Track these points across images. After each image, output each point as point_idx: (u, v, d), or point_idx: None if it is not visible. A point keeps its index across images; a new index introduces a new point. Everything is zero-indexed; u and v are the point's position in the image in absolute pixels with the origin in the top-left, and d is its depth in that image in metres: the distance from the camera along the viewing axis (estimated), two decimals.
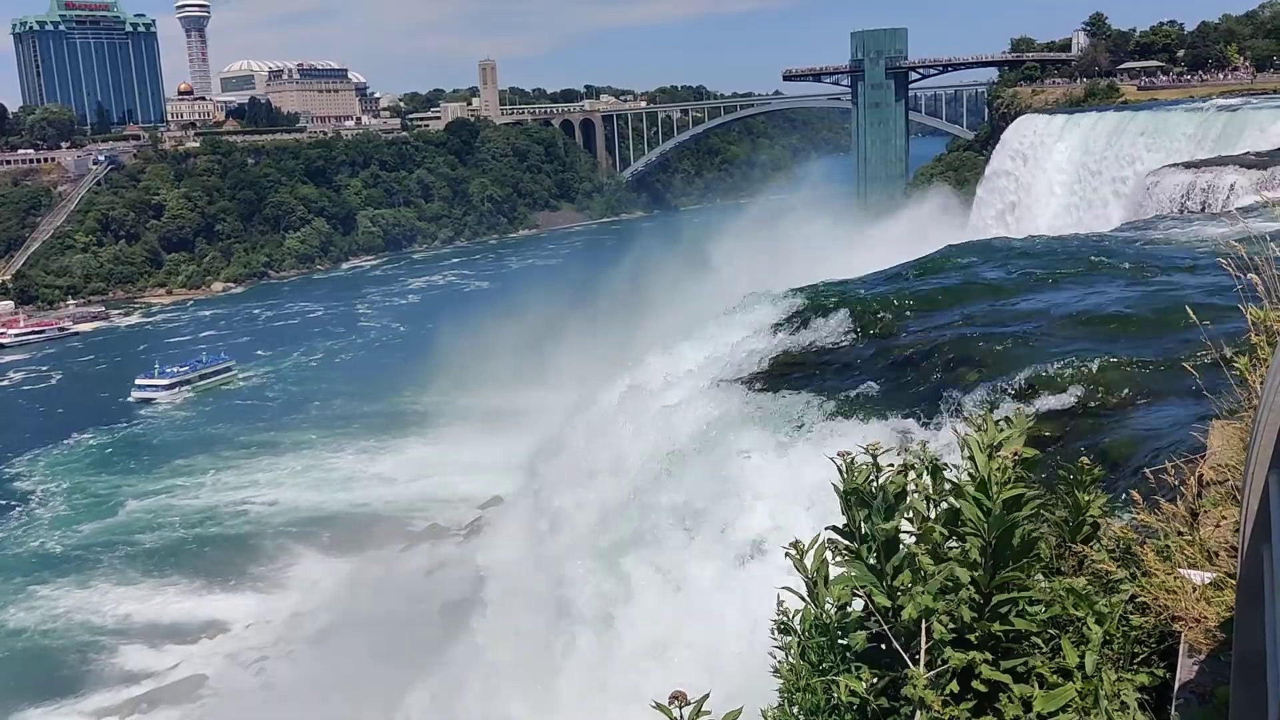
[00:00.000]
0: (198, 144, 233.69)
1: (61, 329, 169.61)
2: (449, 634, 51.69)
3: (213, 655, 64.52)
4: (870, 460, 5.16)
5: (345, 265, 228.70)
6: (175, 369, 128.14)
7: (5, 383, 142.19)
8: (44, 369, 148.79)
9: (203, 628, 67.78)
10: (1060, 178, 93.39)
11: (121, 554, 79.40)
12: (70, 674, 63.15)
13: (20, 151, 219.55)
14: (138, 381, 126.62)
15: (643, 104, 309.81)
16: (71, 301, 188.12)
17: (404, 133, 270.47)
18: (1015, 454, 4.78)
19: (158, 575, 75.48)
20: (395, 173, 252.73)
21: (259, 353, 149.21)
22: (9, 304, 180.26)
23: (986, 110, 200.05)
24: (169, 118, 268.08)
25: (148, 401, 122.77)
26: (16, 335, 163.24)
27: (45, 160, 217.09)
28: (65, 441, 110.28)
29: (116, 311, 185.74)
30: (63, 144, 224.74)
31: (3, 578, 76.27)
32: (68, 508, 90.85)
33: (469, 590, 54.65)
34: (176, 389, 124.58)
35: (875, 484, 5.11)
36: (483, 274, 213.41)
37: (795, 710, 5.32)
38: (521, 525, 43.57)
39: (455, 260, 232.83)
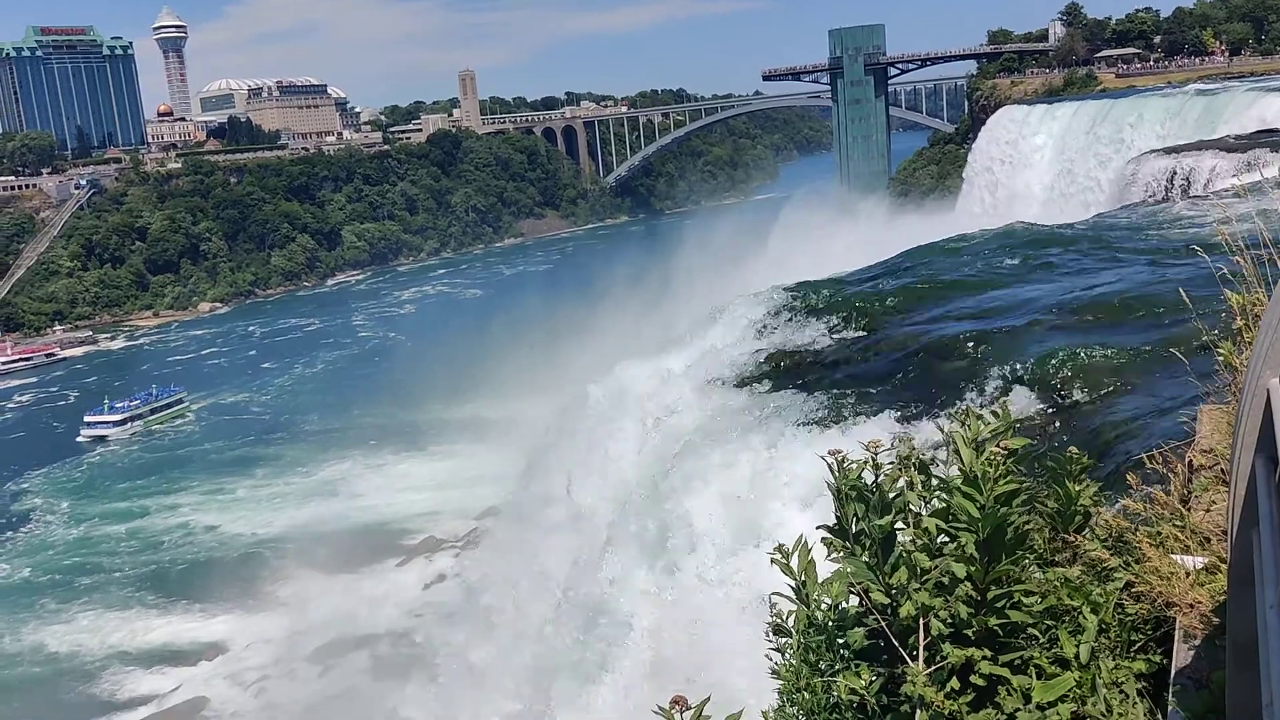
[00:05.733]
0: (179, 165, 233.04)
1: (49, 355, 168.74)
2: (447, 647, 51.62)
3: (213, 677, 64.22)
4: (866, 458, 5.17)
5: (331, 281, 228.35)
6: (125, 403, 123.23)
7: None
8: (34, 396, 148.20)
9: (202, 649, 67.48)
10: (1042, 166, 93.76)
11: (117, 578, 79.07)
12: (70, 700, 62.77)
13: (1, 179, 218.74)
14: (87, 419, 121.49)
15: (624, 109, 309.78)
16: (58, 327, 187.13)
17: (386, 146, 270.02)
18: (1004, 447, 4.80)
19: (153, 599, 75.12)
20: (378, 186, 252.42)
21: (245, 372, 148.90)
22: None
23: (966, 103, 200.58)
24: (149, 140, 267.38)
25: (99, 439, 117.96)
26: (3, 363, 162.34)
27: (27, 187, 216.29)
28: (50, 468, 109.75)
29: (104, 336, 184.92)
30: (44, 170, 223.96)
31: None
32: (53, 534, 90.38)
33: (468, 602, 54.57)
34: (128, 424, 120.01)
35: (871, 481, 5.12)
36: (473, 283, 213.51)
37: (795, 710, 5.33)
38: (516, 537, 43.54)
39: (442, 271, 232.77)
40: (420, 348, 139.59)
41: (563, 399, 48.01)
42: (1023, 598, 4.88)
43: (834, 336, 31.73)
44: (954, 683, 4.66)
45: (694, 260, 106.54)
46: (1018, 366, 23.89)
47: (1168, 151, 66.01)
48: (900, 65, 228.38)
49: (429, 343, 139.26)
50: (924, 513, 5.09)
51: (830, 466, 5.14)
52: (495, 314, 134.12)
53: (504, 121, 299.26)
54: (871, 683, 4.88)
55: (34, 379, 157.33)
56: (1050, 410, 22.44)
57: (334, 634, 65.70)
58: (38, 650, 69.24)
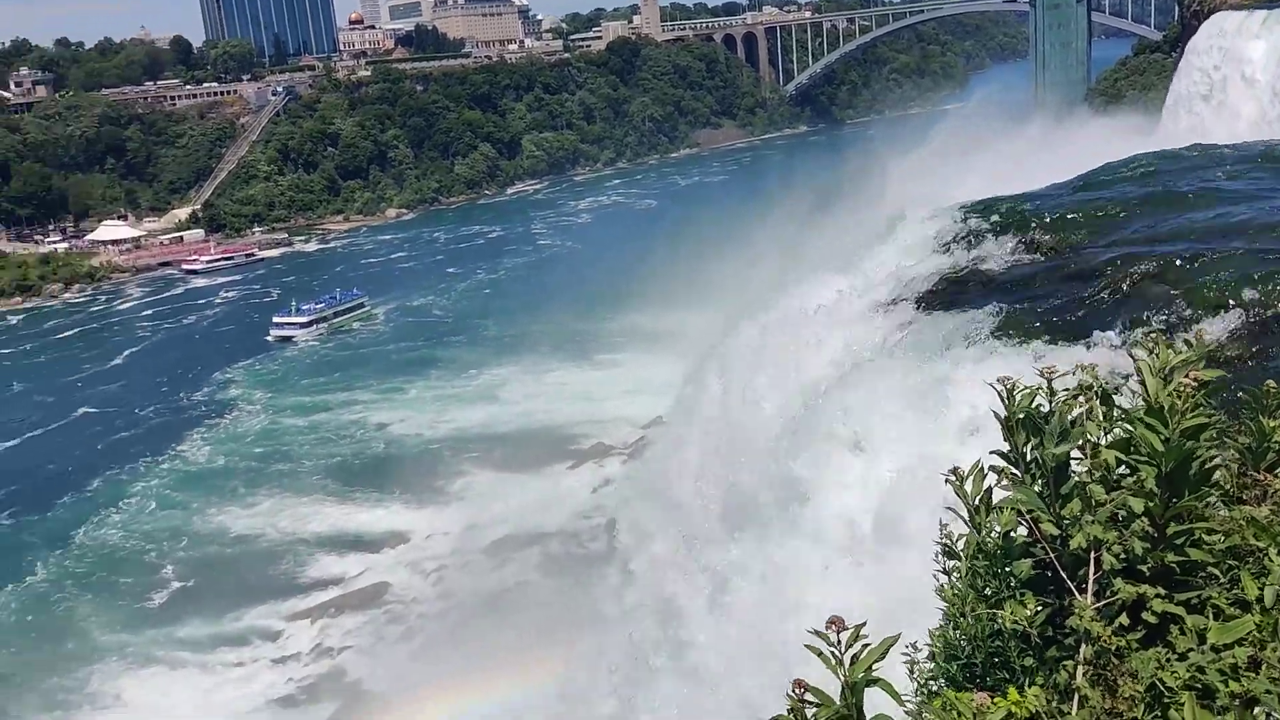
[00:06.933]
0: (369, 73, 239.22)
1: (249, 255, 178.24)
2: (615, 548, 53.04)
3: (396, 564, 67.91)
4: (1042, 384, 5.03)
5: (510, 190, 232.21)
6: (312, 305, 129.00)
7: (201, 303, 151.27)
8: (239, 292, 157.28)
9: (385, 538, 71.27)
10: (1259, 79, 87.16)
11: (306, 467, 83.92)
12: (264, 578, 67.41)
13: (205, 85, 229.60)
14: (275, 320, 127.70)
15: (807, 14, 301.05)
16: (257, 229, 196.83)
17: (566, 54, 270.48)
18: (1194, 378, 4.59)
19: (335, 488, 79.43)
20: (557, 95, 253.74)
21: (429, 276, 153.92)
22: (199, 232, 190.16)
23: (1177, 8, 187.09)
24: (341, 48, 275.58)
25: (286, 340, 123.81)
26: (208, 261, 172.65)
27: (228, 93, 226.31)
28: (252, 360, 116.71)
29: (298, 238, 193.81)
30: (244, 77, 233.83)
31: (196, 488, 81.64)
32: (247, 424, 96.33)
33: (634, 507, 55.80)
34: (313, 325, 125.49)
35: (1047, 409, 4.99)
36: (647, 193, 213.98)
37: (958, 634, 5.30)
38: (683, 446, 44.09)
39: (617, 182, 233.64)
40: (594, 256, 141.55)
41: (733, 312, 47.96)
42: (1204, 535, 4.70)
43: (1014, 257, 30.59)
44: (1123, 619, 4.54)
45: (873, 173, 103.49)
46: (1214, 293, 22.56)
47: None
48: None
49: (602, 251, 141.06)
50: (1103, 443, 4.93)
51: (1000, 394, 5.02)
52: (667, 224, 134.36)
53: (684, 28, 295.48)
54: (1037, 613, 4.80)
55: (238, 277, 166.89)
56: (1248, 340, 21.17)
57: (508, 530, 68.40)
58: (224, 531, 74.35)
